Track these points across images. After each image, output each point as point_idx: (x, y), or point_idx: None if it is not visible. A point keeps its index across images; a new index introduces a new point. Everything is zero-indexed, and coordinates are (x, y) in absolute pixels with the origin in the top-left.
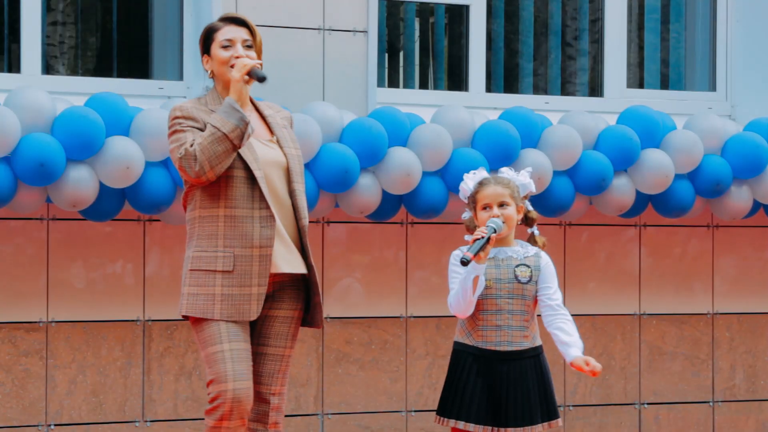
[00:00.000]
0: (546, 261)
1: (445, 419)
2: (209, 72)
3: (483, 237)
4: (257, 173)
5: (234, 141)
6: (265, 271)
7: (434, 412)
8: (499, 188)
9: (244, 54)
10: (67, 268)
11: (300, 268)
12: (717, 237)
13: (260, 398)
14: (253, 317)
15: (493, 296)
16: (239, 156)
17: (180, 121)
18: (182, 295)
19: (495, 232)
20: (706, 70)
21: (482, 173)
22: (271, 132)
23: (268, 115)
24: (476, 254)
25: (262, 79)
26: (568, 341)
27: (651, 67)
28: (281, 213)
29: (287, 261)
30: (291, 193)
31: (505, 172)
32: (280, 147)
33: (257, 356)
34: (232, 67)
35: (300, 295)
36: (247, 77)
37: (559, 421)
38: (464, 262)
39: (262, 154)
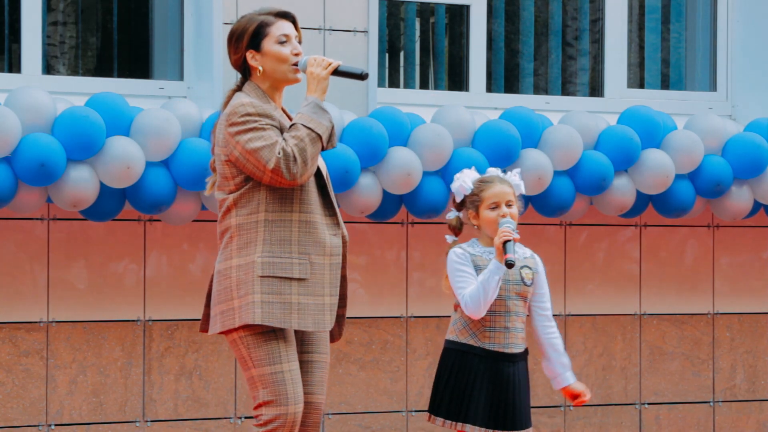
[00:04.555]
0: (540, 263)
1: (451, 422)
2: (258, 69)
3: (515, 238)
4: (327, 178)
5: (324, 143)
6: (336, 281)
7: (428, 412)
8: (506, 187)
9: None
10: (67, 268)
11: None
12: (717, 237)
13: (314, 408)
14: (328, 328)
15: (502, 297)
16: None
17: (255, 118)
18: (250, 303)
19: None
20: (707, 70)
21: (474, 173)
22: None
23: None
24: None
25: (365, 76)
26: (566, 363)
27: (651, 67)
28: None
29: None
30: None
31: (493, 171)
32: None
33: (305, 364)
34: (294, 65)
35: None
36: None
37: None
38: (511, 264)
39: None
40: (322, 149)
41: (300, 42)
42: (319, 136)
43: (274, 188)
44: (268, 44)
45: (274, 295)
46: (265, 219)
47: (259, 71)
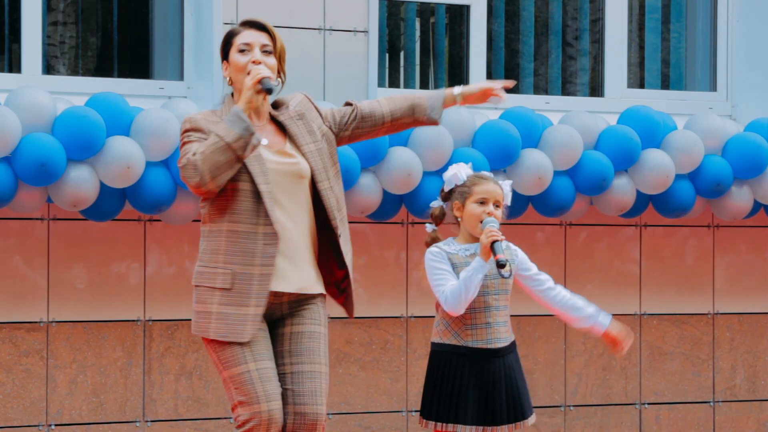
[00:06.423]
0: (517, 250)
1: (442, 424)
2: (228, 79)
3: (502, 239)
4: (262, 187)
5: (237, 151)
6: (265, 291)
7: (420, 416)
8: (498, 188)
9: (261, 59)
10: (67, 268)
11: (311, 288)
12: (717, 237)
13: (308, 420)
14: (246, 339)
15: (481, 294)
16: (246, 168)
17: (189, 133)
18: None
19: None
20: (707, 70)
21: (470, 169)
22: (285, 138)
23: (283, 120)
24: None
25: (269, 91)
26: (591, 312)
27: (652, 67)
28: (297, 227)
29: (291, 281)
30: (317, 195)
31: (486, 175)
32: (299, 151)
33: (294, 375)
34: (248, 73)
35: (324, 311)
36: (258, 87)
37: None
38: (503, 265)
39: (275, 166)
40: (239, 158)
41: (275, 50)
42: (228, 145)
43: (214, 200)
44: (232, 54)
45: (198, 304)
46: (208, 230)
47: (227, 81)
